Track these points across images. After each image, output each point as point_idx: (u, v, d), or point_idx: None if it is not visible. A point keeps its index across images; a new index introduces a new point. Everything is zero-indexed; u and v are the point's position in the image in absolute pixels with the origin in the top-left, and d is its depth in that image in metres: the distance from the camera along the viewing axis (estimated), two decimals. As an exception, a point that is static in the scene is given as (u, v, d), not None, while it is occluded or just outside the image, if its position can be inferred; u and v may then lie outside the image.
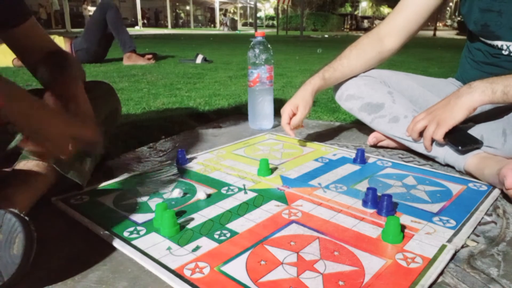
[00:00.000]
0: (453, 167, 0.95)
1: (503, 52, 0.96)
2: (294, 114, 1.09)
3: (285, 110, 1.09)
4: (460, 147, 0.89)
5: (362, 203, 0.76)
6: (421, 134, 0.96)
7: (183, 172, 0.93)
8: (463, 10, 1.02)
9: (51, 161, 0.72)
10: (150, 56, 3.60)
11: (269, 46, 1.27)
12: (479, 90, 0.85)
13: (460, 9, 1.05)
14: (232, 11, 33.64)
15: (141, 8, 20.45)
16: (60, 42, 3.19)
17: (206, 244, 0.62)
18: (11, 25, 0.79)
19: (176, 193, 0.80)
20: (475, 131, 0.91)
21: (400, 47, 1.11)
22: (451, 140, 0.90)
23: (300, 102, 1.07)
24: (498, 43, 0.96)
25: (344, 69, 1.11)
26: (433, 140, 0.94)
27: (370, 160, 1.01)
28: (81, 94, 0.74)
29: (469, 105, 0.86)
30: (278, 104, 1.35)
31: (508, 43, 0.95)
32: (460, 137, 0.90)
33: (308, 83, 1.10)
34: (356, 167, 0.96)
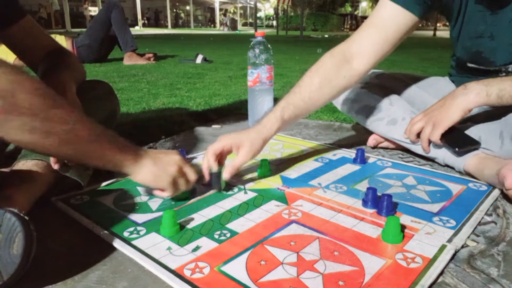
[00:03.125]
0: (453, 168, 0.95)
1: (500, 74, 0.93)
2: (226, 152, 0.83)
3: (219, 144, 0.82)
4: (457, 149, 0.89)
5: (362, 203, 0.76)
6: (418, 135, 0.95)
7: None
8: (453, 33, 0.98)
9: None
10: (150, 55, 3.61)
11: (269, 46, 1.27)
12: (474, 92, 0.84)
13: (450, 32, 1.00)
14: (232, 11, 33.62)
15: (141, 8, 20.45)
16: (62, 40, 3.19)
17: (206, 244, 0.62)
18: (5, 23, 0.78)
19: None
20: (473, 132, 0.91)
21: (370, 69, 0.95)
22: (448, 142, 0.90)
23: (246, 143, 0.82)
24: (495, 68, 0.93)
25: (307, 105, 0.90)
26: (430, 141, 0.93)
27: (370, 160, 1.01)
28: (70, 99, 0.73)
29: (464, 106, 0.85)
30: (278, 104, 1.35)
31: (506, 66, 0.91)
32: (457, 138, 0.90)
33: (263, 126, 0.86)
34: (356, 167, 0.96)
